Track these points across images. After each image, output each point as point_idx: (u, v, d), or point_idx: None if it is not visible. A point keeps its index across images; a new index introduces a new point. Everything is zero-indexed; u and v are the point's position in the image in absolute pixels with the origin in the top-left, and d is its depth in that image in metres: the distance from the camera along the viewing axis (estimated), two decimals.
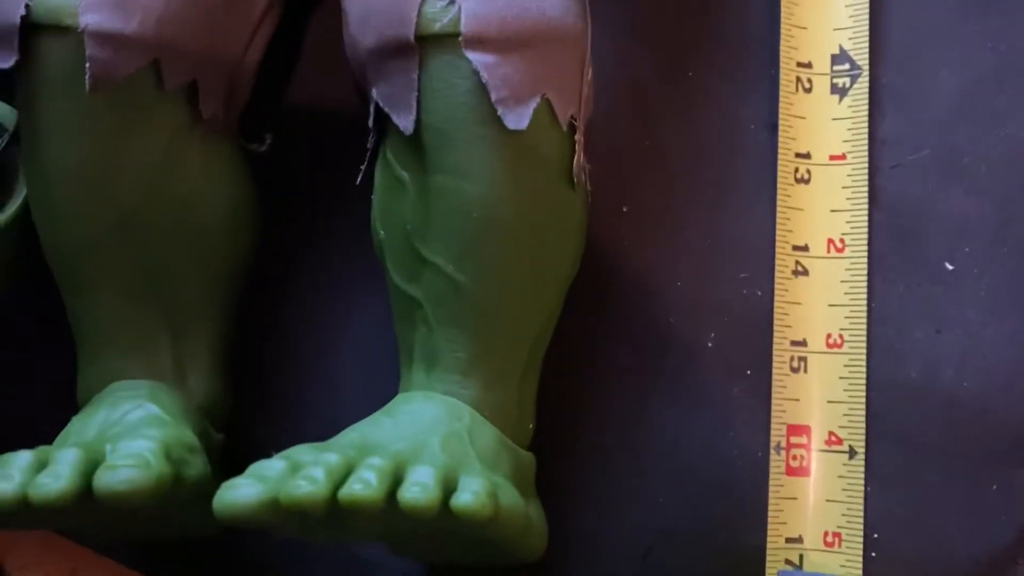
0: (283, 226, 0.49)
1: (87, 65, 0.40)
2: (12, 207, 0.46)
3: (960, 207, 0.48)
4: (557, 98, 0.41)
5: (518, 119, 0.40)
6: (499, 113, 0.40)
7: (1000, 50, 0.49)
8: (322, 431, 0.44)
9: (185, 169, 0.43)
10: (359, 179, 0.44)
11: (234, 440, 0.46)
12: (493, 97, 0.40)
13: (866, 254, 0.48)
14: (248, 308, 0.48)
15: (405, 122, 0.41)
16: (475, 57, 0.40)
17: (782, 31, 0.50)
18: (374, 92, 0.43)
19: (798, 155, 0.49)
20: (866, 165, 0.48)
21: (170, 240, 0.43)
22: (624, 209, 0.49)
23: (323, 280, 0.49)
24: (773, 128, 0.49)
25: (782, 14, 0.50)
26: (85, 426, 0.41)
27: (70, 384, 0.45)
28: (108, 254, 0.43)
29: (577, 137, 0.42)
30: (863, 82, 0.49)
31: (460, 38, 0.40)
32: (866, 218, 0.48)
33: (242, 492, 0.35)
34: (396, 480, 0.37)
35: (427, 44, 0.40)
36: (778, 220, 0.48)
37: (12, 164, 0.46)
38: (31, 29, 0.41)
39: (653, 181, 0.49)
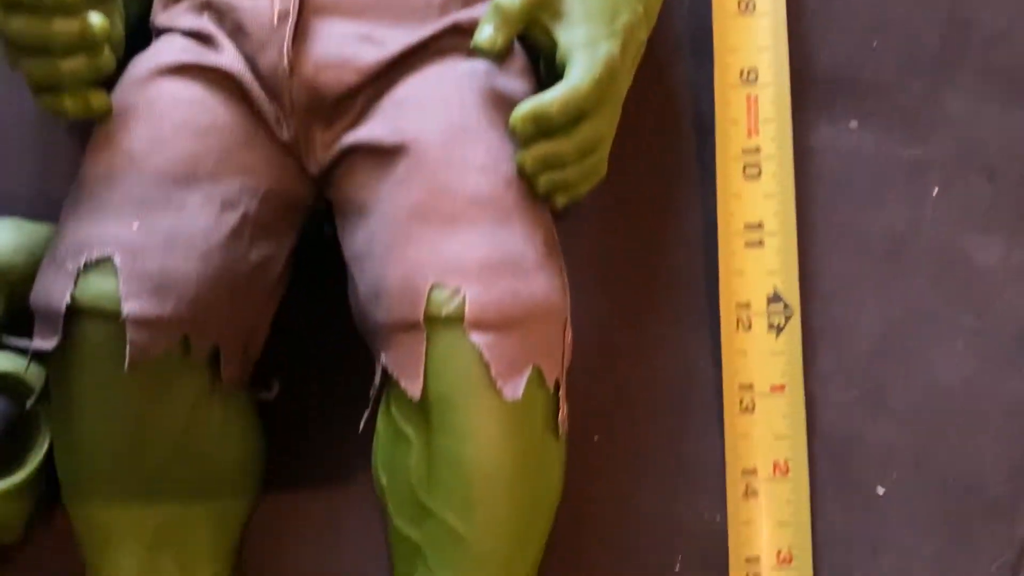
0: (287, 469, 0.54)
1: (127, 348, 0.44)
2: (35, 460, 0.49)
3: (887, 438, 0.55)
4: (546, 365, 0.46)
5: (514, 389, 0.45)
6: (498, 385, 0.45)
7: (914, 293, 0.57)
8: None
9: (207, 427, 0.47)
10: (361, 428, 0.49)
11: None
12: (493, 372, 0.45)
13: (807, 477, 0.54)
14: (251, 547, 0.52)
15: (413, 389, 0.46)
16: (477, 338, 0.45)
17: (720, 276, 0.56)
18: (382, 356, 0.47)
19: (741, 386, 0.55)
20: (803, 396, 0.55)
21: (190, 492, 0.47)
22: (595, 439, 0.55)
23: (325, 524, 0.54)
24: (718, 362, 0.56)
25: (720, 260, 0.56)
26: None
27: None
28: (132, 511, 0.46)
29: (560, 393, 0.48)
30: (795, 321, 0.56)
31: (464, 322, 0.45)
32: (806, 444, 0.54)
33: None
34: None
35: (434, 324, 0.46)
36: (727, 446, 0.54)
37: (36, 421, 0.50)
38: (74, 314, 0.45)
39: (621, 416, 0.55)
